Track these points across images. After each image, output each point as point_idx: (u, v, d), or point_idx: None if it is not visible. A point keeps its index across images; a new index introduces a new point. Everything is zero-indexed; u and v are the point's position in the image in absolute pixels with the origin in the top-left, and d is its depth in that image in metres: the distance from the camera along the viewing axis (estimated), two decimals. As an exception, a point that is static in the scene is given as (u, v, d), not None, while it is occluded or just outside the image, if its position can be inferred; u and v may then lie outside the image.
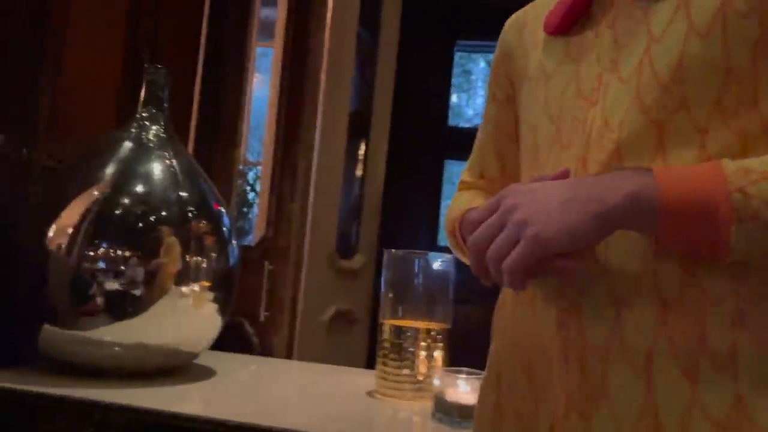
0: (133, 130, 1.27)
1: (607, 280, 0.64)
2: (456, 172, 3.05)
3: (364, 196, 2.61)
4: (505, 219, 0.61)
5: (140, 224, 1.18)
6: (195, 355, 1.31)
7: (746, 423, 0.60)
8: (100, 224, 1.15)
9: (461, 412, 1.09)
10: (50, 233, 1.14)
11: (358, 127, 2.51)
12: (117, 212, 1.17)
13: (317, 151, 2.04)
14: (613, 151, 0.65)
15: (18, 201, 1.26)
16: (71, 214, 1.15)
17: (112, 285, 1.14)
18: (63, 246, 1.14)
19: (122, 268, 1.15)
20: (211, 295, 1.25)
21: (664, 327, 0.62)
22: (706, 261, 0.61)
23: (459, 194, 0.89)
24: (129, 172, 1.21)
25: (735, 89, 0.63)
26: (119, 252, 1.15)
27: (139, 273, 1.15)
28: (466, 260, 0.86)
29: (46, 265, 1.15)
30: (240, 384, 1.36)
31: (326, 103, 2.08)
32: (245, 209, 2.52)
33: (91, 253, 1.13)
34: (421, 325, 1.30)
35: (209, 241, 1.26)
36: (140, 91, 1.29)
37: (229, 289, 1.31)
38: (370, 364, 1.88)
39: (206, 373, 1.31)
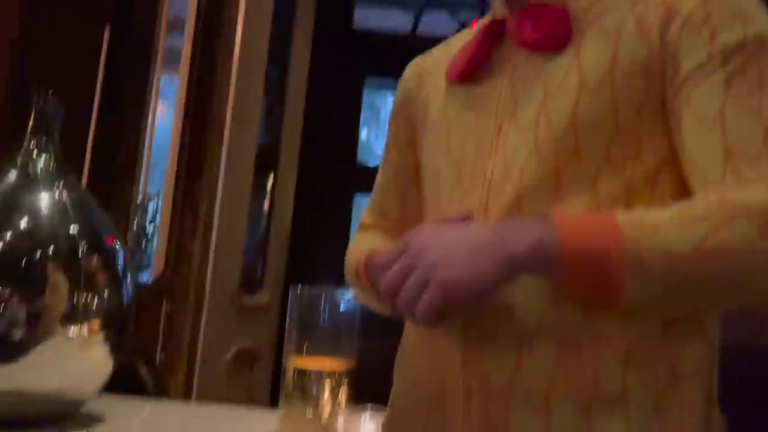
0: (18, 160, 1.19)
1: (510, 323, 0.66)
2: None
3: (271, 230, 2.57)
4: (415, 261, 0.63)
5: (23, 260, 1.10)
6: (82, 402, 1.22)
7: None
8: (-22, 261, 1.06)
9: (365, 454, 1.07)
10: None
11: (266, 161, 2.48)
12: (-3, 248, 1.08)
13: (222, 184, 2.00)
14: (514, 198, 0.68)
15: None
16: (-56, 250, 1.06)
17: (-11, 327, 1.05)
18: (-68, 284, 1.04)
19: (1, 308, 1.06)
20: (101, 336, 1.18)
21: (562, 367, 0.64)
22: (600, 305, 0.64)
23: (360, 236, 0.90)
24: (12, 204, 1.13)
25: (622, 143, 0.68)
26: (-2, 291, 1.06)
27: (20, 313, 1.07)
28: (368, 301, 0.86)
29: None
30: (132, 430, 1.28)
31: (232, 136, 2.05)
32: (144, 244, 2.41)
33: (-34, 292, 1.04)
34: (326, 363, 1.28)
35: (101, 278, 1.18)
36: (28, 121, 1.21)
37: (123, 329, 1.23)
38: (273, 404, 1.82)
39: (95, 419, 1.23)
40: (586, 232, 0.62)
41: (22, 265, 1.09)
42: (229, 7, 2.00)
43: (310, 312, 1.38)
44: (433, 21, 2.92)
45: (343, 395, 1.27)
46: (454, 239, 0.63)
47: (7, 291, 1.06)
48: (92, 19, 1.71)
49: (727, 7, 0.68)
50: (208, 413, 1.49)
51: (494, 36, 0.76)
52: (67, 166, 1.25)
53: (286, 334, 1.37)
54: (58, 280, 1.11)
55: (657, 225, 0.61)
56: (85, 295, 1.14)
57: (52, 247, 1.13)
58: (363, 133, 3.29)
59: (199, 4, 1.96)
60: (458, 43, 0.84)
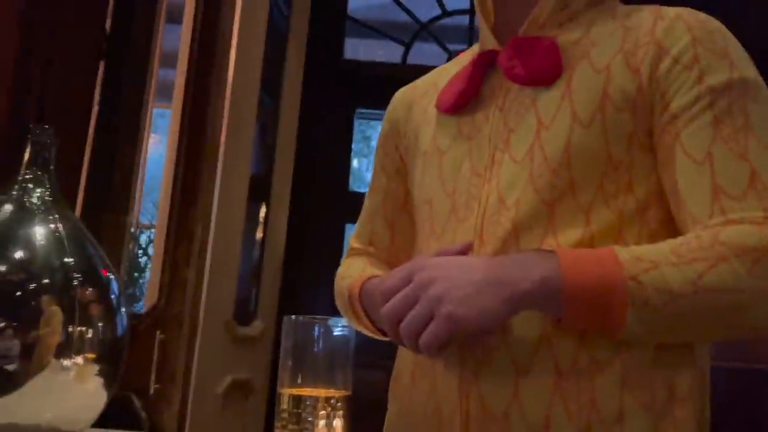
0: (14, 192, 1.20)
1: (507, 350, 0.67)
2: (357, 235, 3.06)
3: (264, 260, 2.56)
4: (420, 293, 0.65)
5: (18, 292, 1.10)
6: (75, 435, 1.20)
7: None
8: (-28, 293, 1.06)
9: (361, 483, 1.06)
10: None
11: (259, 191, 2.49)
12: (-8, 280, 1.08)
13: (215, 214, 2.00)
14: (510, 229, 0.69)
15: None
16: (-62, 283, 1.05)
17: (-18, 360, 1.04)
18: (-74, 318, 1.03)
19: (-5, 340, 1.05)
20: (95, 368, 1.17)
21: (560, 393, 0.65)
22: (598, 335, 0.66)
23: (350, 261, 0.91)
24: (7, 236, 1.13)
25: (615, 175, 0.70)
26: (-8, 323, 1.06)
27: (14, 346, 1.06)
28: (360, 327, 0.87)
29: None
30: (125, 464, 1.26)
31: (225, 166, 2.06)
32: (136, 274, 2.40)
33: (-40, 325, 1.04)
34: (321, 392, 1.27)
35: (95, 309, 1.18)
36: (24, 153, 1.22)
37: (116, 361, 1.23)
38: (268, 436, 1.80)
39: (87, 453, 1.21)
40: (588, 268, 0.64)
41: (17, 296, 1.09)
42: (221, 39, 2.03)
43: (303, 341, 1.37)
44: (423, 52, 2.97)
45: (339, 424, 1.26)
46: (459, 273, 0.64)
47: (2, 323, 1.06)
48: (87, 52, 1.73)
49: (714, 50, 0.70)
50: (202, 445, 1.48)
51: (484, 66, 0.77)
52: (62, 197, 1.26)
53: (280, 363, 1.36)
54: (53, 312, 1.11)
55: (656, 261, 0.64)
56: (79, 326, 1.13)
57: (47, 279, 1.13)
58: (354, 163, 3.31)
59: (192, 37, 1.99)
60: (446, 72, 0.85)
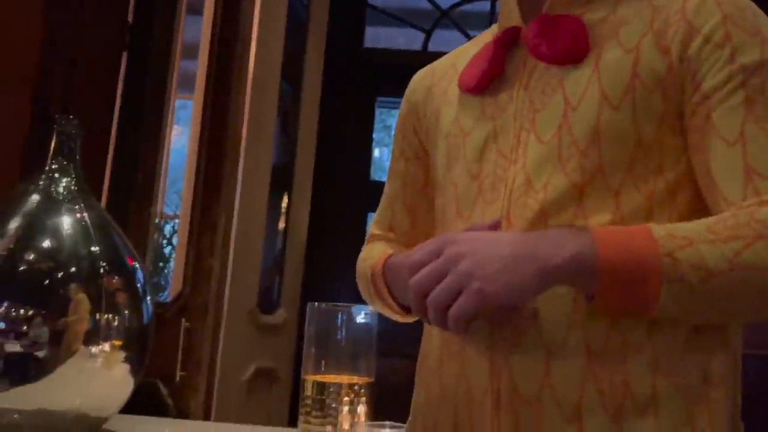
0: (41, 182, 1.21)
1: (538, 332, 0.66)
2: (378, 225, 3.06)
3: (287, 249, 2.58)
4: (449, 267, 0.63)
5: (46, 281, 1.12)
6: (104, 420, 1.23)
7: None
8: (1, 282, 1.08)
9: (385, 469, 1.07)
10: (-57, 292, 1.06)
11: (281, 181, 2.50)
12: (20, 268, 1.10)
13: (238, 204, 2.02)
14: (538, 211, 0.68)
15: None
16: (-31, 272, 1.08)
17: (13, 347, 1.06)
18: (-43, 306, 1.06)
19: (24, 328, 1.07)
20: (122, 355, 1.19)
21: (592, 375, 0.64)
22: (630, 315, 0.65)
23: (371, 245, 0.90)
24: (35, 226, 1.15)
25: (644, 157, 0.68)
26: (21, 311, 1.08)
27: (44, 333, 1.08)
28: (381, 307, 0.86)
29: (-62, 327, 1.07)
30: (153, 449, 1.29)
31: (247, 156, 2.07)
32: (161, 264, 2.43)
33: (-10, 313, 1.06)
34: (344, 379, 1.28)
35: (122, 297, 1.20)
36: (50, 144, 1.24)
37: (143, 349, 1.25)
38: (292, 423, 1.82)
39: (116, 439, 1.23)
40: (623, 245, 0.63)
41: (45, 285, 1.11)
42: (242, 30, 2.04)
43: (326, 328, 1.38)
44: (444, 39, 2.95)
45: (362, 411, 1.27)
46: (490, 248, 0.63)
47: (31, 311, 1.08)
48: (111, 44, 1.75)
49: (746, 28, 0.69)
50: None
51: (508, 44, 0.76)
52: (87, 187, 1.28)
53: (304, 350, 1.37)
54: (80, 300, 1.13)
55: (691, 238, 0.63)
56: (106, 314, 1.15)
57: (74, 268, 1.14)
58: (375, 152, 3.31)
59: (213, 29, 1.99)
60: (465, 53, 0.84)
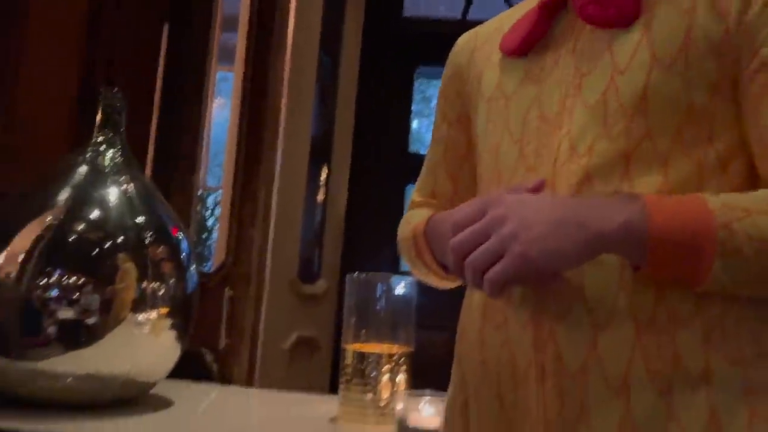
0: (88, 154, 1.25)
1: (583, 304, 0.65)
2: (417, 196, 3.06)
3: (326, 221, 2.60)
4: (492, 228, 0.62)
5: (95, 250, 1.15)
6: (152, 385, 1.27)
7: None
8: (53, 251, 1.12)
9: (425, 437, 1.08)
10: (0, 261, 1.11)
11: (320, 152, 2.51)
12: (70, 238, 1.14)
13: (278, 175, 2.03)
14: (583, 177, 0.66)
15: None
16: (22, 241, 1.12)
17: (66, 313, 1.11)
18: (12, 274, 1.10)
19: (76, 295, 1.11)
20: (169, 323, 1.22)
21: (640, 348, 0.63)
22: (679, 286, 0.63)
23: (413, 211, 0.90)
24: (83, 197, 1.19)
25: (695, 124, 0.66)
26: (73, 279, 1.12)
27: (94, 301, 1.12)
28: (421, 270, 0.85)
29: (-6, 294, 1.11)
30: (199, 414, 1.33)
31: (287, 128, 2.08)
32: (204, 235, 2.48)
33: (43, 281, 1.10)
34: (384, 349, 1.29)
35: (167, 267, 1.23)
36: (96, 116, 1.27)
37: (188, 316, 1.28)
38: (332, 391, 1.85)
39: (164, 403, 1.28)
40: (676, 214, 0.61)
41: (94, 254, 1.15)
42: (281, 1, 2.03)
43: (366, 298, 1.40)
44: (485, 7, 2.89)
45: (401, 380, 1.29)
46: (535, 212, 0.61)
47: (82, 279, 1.11)
48: (152, 17, 1.77)
49: None
50: (270, 398, 1.53)
51: (554, 8, 0.74)
52: (132, 159, 1.30)
53: (344, 320, 1.39)
54: (128, 269, 1.16)
55: (748, 210, 0.60)
56: (152, 283, 1.18)
57: (121, 238, 1.18)
58: (414, 123, 3.29)
59: (252, 0, 1.99)
60: (509, 18, 0.82)
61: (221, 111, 2.24)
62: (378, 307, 1.37)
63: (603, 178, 0.66)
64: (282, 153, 2.05)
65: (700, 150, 0.66)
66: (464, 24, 2.91)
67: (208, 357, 1.78)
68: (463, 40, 0.87)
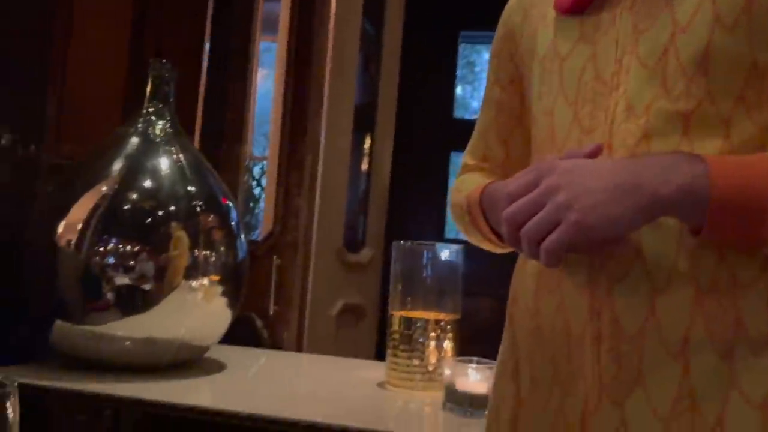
0: (139, 125, 1.27)
1: (642, 267, 0.63)
2: (462, 164, 3.04)
3: (371, 189, 2.61)
4: (547, 197, 0.61)
5: (149, 219, 1.19)
6: (205, 349, 1.31)
7: None
8: (109, 220, 1.16)
9: (472, 402, 1.09)
10: (59, 230, 1.15)
11: (364, 121, 2.51)
12: (125, 207, 1.17)
13: (323, 145, 2.04)
14: (641, 138, 0.64)
15: (27, 199, 1.27)
16: (80, 211, 1.15)
17: (122, 280, 1.14)
18: (72, 242, 1.14)
19: (132, 263, 1.15)
20: (220, 289, 1.25)
21: (701, 312, 0.62)
22: (740, 249, 0.61)
23: (466, 176, 0.88)
24: (136, 167, 1.22)
25: (758, 85, 0.63)
26: (128, 247, 1.16)
27: (149, 268, 1.16)
28: (475, 236, 0.85)
29: (56, 262, 1.16)
30: (251, 377, 1.37)
31: (331, 97, 2.08)
32: (251, 204, 2.52)
33: (101, 249, 1.14)
34: (430, 315, 1.30)
35: (218, 235, 1.26)
36: (146, 87, 1.29)
37: (239, 283, 1.31)
38: (379, 357, 1.88)
39: (217, 366, 1.32)
40: (740, 175, 0.59)
41: (148, 223, 1.18)
42: (323, -32, 2.02)
43: (412, 266, 1.40)
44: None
45: (448, 346, 1.30)
46: (590, 177, 0.60)
47: (137, 247, 1.15)
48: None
49: None
50: (319, 363, 1.56)
51: None
52: (182, 129, 1.33)
53: (390, 287, 1.41)
54: (180, 237, 1.19)
55: None
56: (204, 251, 1.21)
57: (173, 207, 1.21)
58: (458, 89, 3.25)
59: (294, -32, 1.99)
60: None
61: (264, 82, 2.25)
62: (424, 275, 1.37)
63: (661, 139, 0.64)
64: (326, 122, 2.06)
65: (764, 112, 0.63)
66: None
67: (259, 323, 1.83)
68: None
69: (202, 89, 1.81)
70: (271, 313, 1.86)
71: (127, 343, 1.17)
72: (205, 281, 1.22)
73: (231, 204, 1.32)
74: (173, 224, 1.20)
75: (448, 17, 2.97)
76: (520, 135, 0.83)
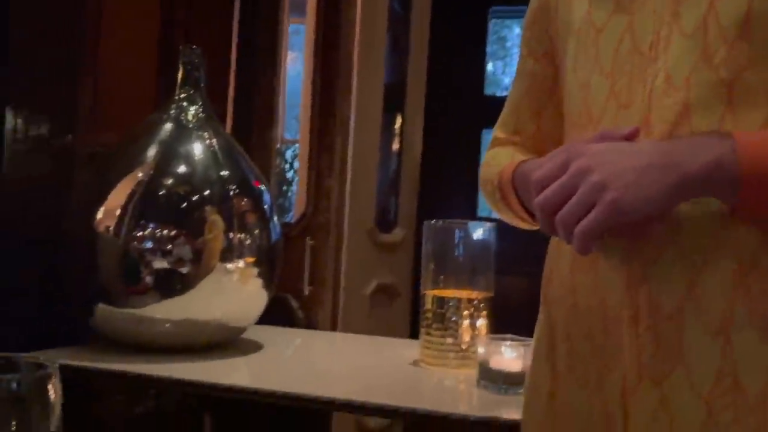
0: (172, 111, 1.29)
1: (679, 245, 0.62)
2: (493, 141, 3.01)
3: (402, 169, 2.60)
4: (579, 180, 0.60)
5: (184, 204, 1.21)
6: (242, 330, 1.34)
7: None
8: (146, 205, 1.18)
9: (506, 379, 1.09)
10: (98, 216, 1.18)
11: (393, 101, 2.50)
12: (161, 193, 1.20)
13: (353, 126, 2.04)
14: (681, 111, 0.63)
15: (64, 187, 1.30)
16: (117, 197, 1.18)
17: (160, 264, 1.17)
18: (111, 228, 1.17)
19: (169, 247, 1.18)
20: (255, 271, 1.27)
21: (742, 289, 0.61)
22: None
23: (496, 150, 0.87)
24: (170, 152, 1.24)
25: None
26: (165, 231, 1.18)
27: (186, 251, 1.18)
28: (507, 214, 0.84)
29: (95, 247, 1.19)
30: (287, 356, 1.39)
31: (360, 78, 2.08)
32: (284, 187, 2.55)
33: (139, 234, 1.17)
34: (463, 294, 1.30)
35: (251, 218, 1.28)
36: (177, 74, 1.31)
37: (273, 265, 1.33)
38: (413, 336, 1.89)
39: (254, 346, 1.34)
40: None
41: (183, 207, 1.20)
42: (350, -53, 2.00)
43: (444, 245, 1.40)
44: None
45: (482, 324, 1.30)
46: (621, 158, 0.59)
47: (174, 231, 1.17)
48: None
49: None
50: (354, 342, 1.58)
51: None
52: (213, 114, 1.34)
53: (423, 266, 1.41)
54: (215, 221, 1.21)
55: None
56: (238, 233, 1.23)
57: (207, 191, 1.23)
58: (489, 66, 3.20)
59: (320, -52, 1.98)
60: None
61: (293, 65, 2.25)
62: (456, 254, 1.37)
63: (703, 111, 0.62)
64: (356, 103, 2.06)
65: None
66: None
67: (294, 303, 1.85)
68: None
69: (232, 74, 1.83)
70: (306, 293, 1.88)
71: (167, 325, 1.20)
72: (241, 263, 1.24)
73: (263, 187, 1.34)
74: (208, 208, 1.22)
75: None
76: (552, 110, 0.82)
